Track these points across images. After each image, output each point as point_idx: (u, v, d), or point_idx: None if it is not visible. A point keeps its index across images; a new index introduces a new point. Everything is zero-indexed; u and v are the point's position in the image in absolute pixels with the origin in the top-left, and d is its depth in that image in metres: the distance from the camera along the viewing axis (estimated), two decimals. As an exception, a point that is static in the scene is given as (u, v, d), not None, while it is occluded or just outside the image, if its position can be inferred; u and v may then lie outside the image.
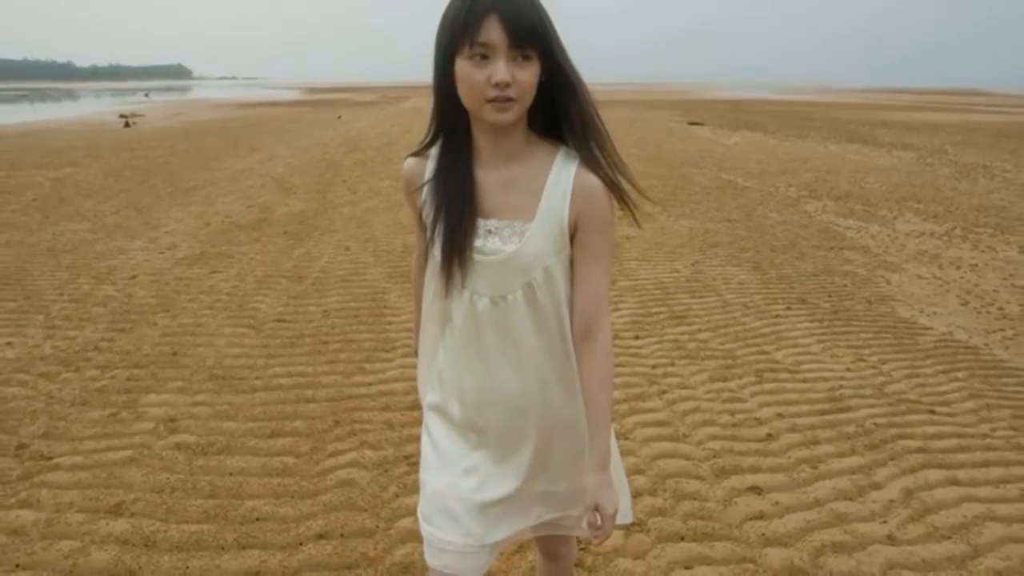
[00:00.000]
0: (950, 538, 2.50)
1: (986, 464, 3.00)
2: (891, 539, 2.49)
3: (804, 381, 3.79)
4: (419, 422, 1.44)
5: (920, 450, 3.10)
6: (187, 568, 2.31)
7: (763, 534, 2.51)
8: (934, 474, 2.91)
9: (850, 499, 2.72)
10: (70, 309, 4.79)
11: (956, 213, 8.65)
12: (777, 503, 2.69)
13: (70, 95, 63.09)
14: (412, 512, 2.55)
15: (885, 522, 2.58)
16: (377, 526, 2.52)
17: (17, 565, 2.31)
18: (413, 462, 2.91)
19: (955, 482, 2.86)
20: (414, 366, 1.56)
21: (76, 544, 2.41)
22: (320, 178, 10.77)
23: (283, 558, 2.36)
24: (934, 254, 6.70)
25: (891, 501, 2.71)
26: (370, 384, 3.68)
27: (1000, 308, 5.14)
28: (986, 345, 4.40)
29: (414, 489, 2.70)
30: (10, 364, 3.88)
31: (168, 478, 2.81)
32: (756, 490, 2.78)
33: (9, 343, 4.18)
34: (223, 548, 2.42)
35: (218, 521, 2.55)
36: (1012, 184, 11.06)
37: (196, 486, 2.76)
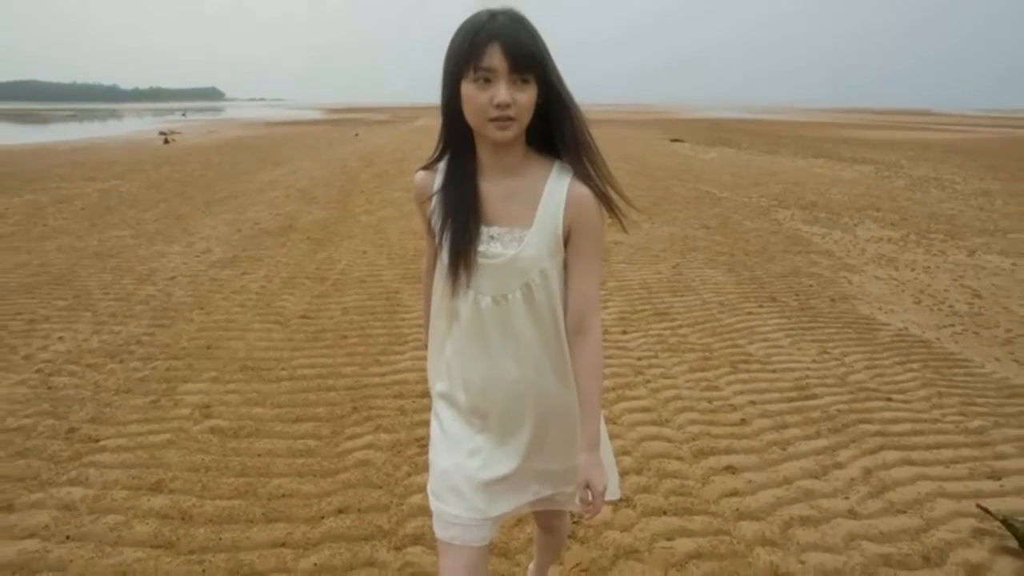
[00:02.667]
0: (905, 512, 2.50)
1: (938, 446, 3.00)
2: (852, 513, 2.48)
3: (774, 371, 3.78)
4: (429, 408, 1.45)
5: (878, 433, 3.09)
6: (220, 539, 2.31)
7: (737, 509, 2.51)
8: (891, 455, 2.91)
9: (815, 477, 2.72)
10: (115, 307, 4.78)
11: (911, 221, 8.65)
12: (750, 481, 2.69)
13: (115, 115, 63.02)
14: (422, 489, 2.55)
15: (847, 498, 2.58)
16: (391, 502, 2.52)
17: (67, 536, 2.31)
18: (423, 444, 2.91)
19: (910, 462, 2.86)
20: (424, 358, 1.56)
21: (120, 518, 2.41)
22: (340, 189, 10.76)
23: (306, 530, 2.36)
24: (891, 257, 6.70)
25: (852, 479, 2.71)
26: (385, 374, 3.68)
27: (950, 306, 5.13)
28: (938, 339, 4.40)
29: (424, 468, 2.70)
30: (62, 356, 3.88)
31: (203, 459, 2.81)
32: (731, 469, 2.78)
33: (61, 337, 4.18)
34: (252, 521, 2.42)
35: (248, 497, 2.55)
36: (960, 194, 11.05)
37: (228, 466, 2.76)
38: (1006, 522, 2.36)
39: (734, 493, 2.61)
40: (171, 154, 17.05)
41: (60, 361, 3.81)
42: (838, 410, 3.32)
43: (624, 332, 4.39)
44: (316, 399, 3.38)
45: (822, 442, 3.01)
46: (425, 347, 1.53)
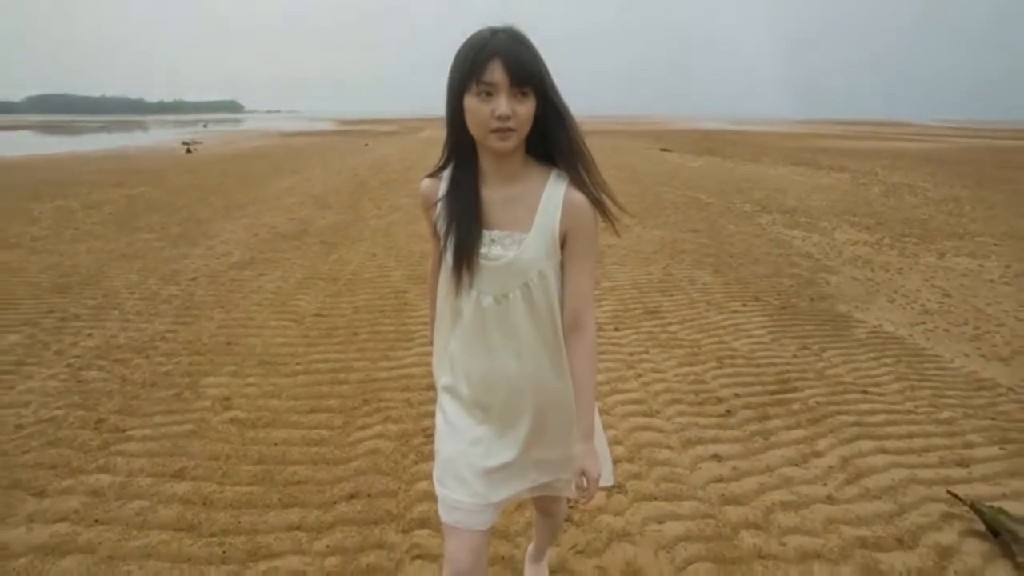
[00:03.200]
0: (880, 498, 2.50)
1: (910, 436, 3.00)
2: (830, 499, 2.48)
3: (758, 366, 3.78)
4: (434, 401, 1.45)
5: (855, 424, 3.09)
6: (239, 523, 2.31)
7: (723, 495, 2.51)
8: (867, 444, 2.90)
9: (796, 465, 2.72)
10: (141, 306, 4.78)
11: (885, 225, 8.64)
12: (735, 468, 2.69)
13: (141, 126, 62.83)
14: (428, 476, 2.55)
15: (825, 485, 2.58)
16: (399, 488, 2.52)
17: (96, 520, 2.31)
18: (429, 434, 2.91)
19: (884, 451, 2.86)
20: (430, 354, 1.56)
21: (145, 503, 2.41)
22: (351, 196, 10.75)
23: (319, 515, 2.36)
24: (867, 259, 6.70)
25: (830, 467, 2.71)
26: (393, 369, 3.67)
27: (922, 305, 5.13)
28: (910, 336, 4.40)
29: (430, 457, 2.70)
30: (91, 352, 3.88)
31: (223, 448, 2.81)
32: (717, 458, 2.77)
33: (90, 334, 4.18)
34: (269, 506, 2.42)
35: (265, 484, 2.55)
36: (932, 201, 11.04)
37: (247, 454, 2.76)
38: (974, 507, 2.35)
39: (720, 480, 2.61)
40: (193, 163, 17.05)
41: (89, 356, 3.81)
42: (817, 402, 3.32)
43: (617, 329, 4.39)
44: (329, 392, 3.37)
45: (802, 432, 3.01)
46: (430, 343, 1.53)
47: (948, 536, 2.29)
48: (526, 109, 1.20)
